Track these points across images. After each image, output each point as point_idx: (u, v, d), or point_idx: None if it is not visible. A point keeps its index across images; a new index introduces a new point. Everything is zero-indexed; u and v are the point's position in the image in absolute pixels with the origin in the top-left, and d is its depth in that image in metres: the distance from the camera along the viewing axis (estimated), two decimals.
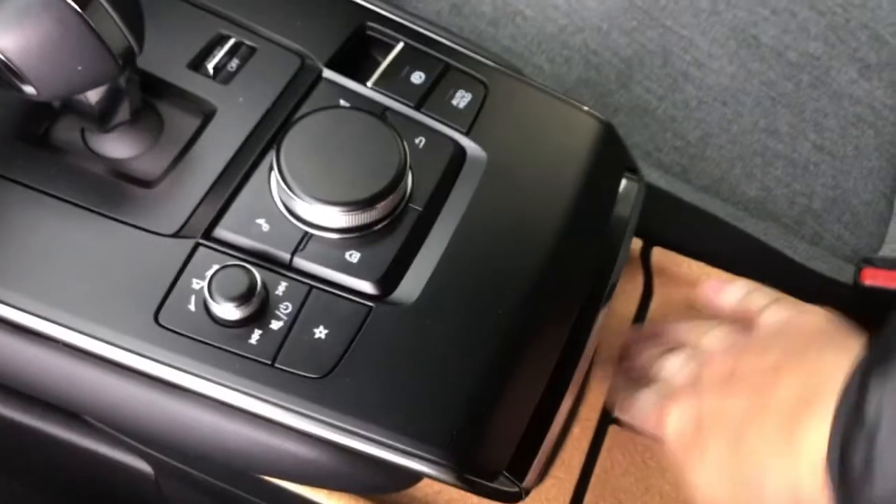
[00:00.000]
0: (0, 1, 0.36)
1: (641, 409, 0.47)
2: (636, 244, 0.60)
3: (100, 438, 0.56)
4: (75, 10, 0.37)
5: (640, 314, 0.59)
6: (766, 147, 0.72)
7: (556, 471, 0.52)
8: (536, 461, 0.44)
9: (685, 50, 0.74)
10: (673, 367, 0.46)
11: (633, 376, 0.50)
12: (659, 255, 0.60)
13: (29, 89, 0.38)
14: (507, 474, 0.42)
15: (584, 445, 0.53)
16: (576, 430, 0.53)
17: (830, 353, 0.39)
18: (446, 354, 0.41)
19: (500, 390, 0.42)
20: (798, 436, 0.37)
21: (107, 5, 0.37)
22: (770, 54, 0.76)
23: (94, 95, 0.41)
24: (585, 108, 0.51)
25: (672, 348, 0.48)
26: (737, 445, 0.40)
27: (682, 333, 0.48)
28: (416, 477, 0.43)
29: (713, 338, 0.46)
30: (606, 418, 0.54)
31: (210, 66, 0.46)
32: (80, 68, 0.38)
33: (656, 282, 0.60)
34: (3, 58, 0.37)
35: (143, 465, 0.58)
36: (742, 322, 0.47)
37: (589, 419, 0.54)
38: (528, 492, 0.43)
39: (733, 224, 0.63)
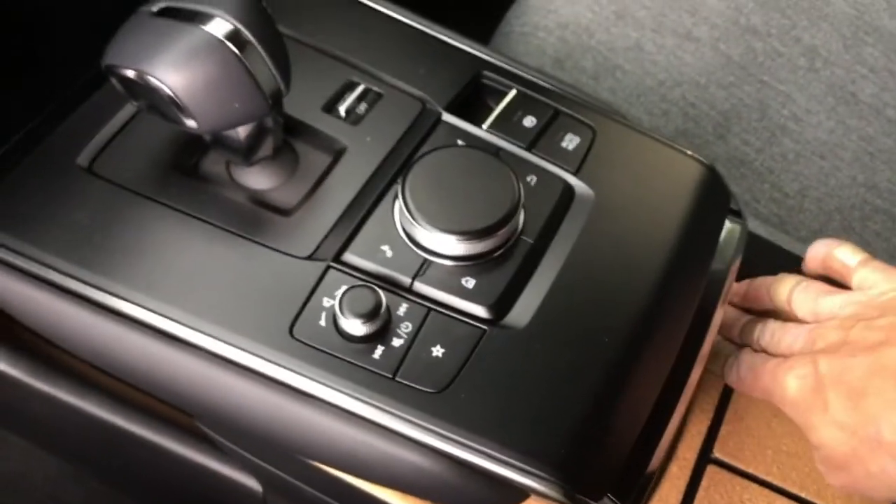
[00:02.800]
0: (170, 44, 0.42)
1: (752, 373, 0.50)
2: None
3: (211, 453, 0.60)
4: (235, 53, 0.42)
5: None
6: (865, 201, 0.73)
7: None
8: (638, 488, 0.45)
9: (783, 105, 0.76)
10: (787, 338, 0.50)
11: (736, 342, 0.54)
12: None
13: (191, 123, 0.43)
14: (611, 497, 0.43)
15: (682, 484, 0.54)
16: (674, 469, 0.54)
17: None
18: (555, 377, 0.44)
19: (605, 415, 0.44)
20: None
21: (261, 51, 0.42)
22: (868, 111, 0.77)
23: (243, 131, 0.45)
24: (689, 151, 0.54)
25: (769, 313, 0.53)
26: (858, 402, 0.44)
27: (782, 302, 0.53)
28: (523, 494, 0.44)
29: (825, 308, 0.50)
30: (704, 458, 0.55)
31: (341, 109, 0.51)
32: (236, 105, 0.43)
33: None
34: (171, 93, 0.42)
35: (251, 482, 0.60)
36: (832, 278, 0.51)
37: (687, 458, 0.55)
38: None
39: None
